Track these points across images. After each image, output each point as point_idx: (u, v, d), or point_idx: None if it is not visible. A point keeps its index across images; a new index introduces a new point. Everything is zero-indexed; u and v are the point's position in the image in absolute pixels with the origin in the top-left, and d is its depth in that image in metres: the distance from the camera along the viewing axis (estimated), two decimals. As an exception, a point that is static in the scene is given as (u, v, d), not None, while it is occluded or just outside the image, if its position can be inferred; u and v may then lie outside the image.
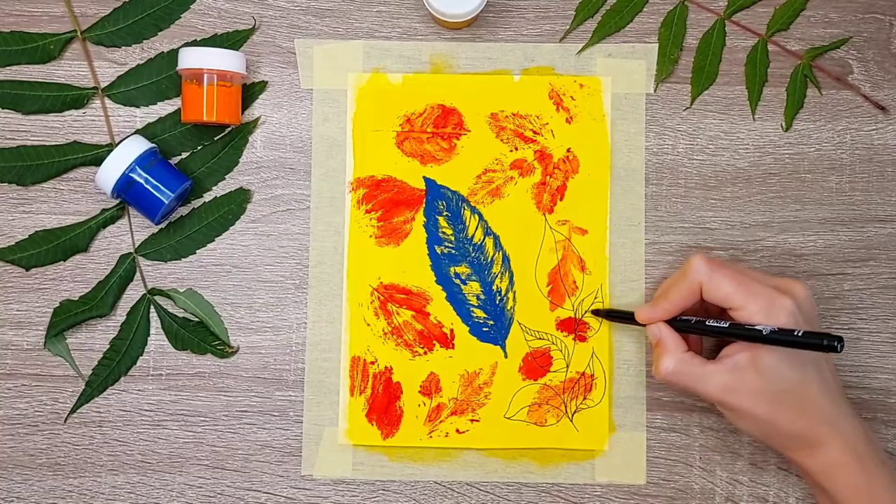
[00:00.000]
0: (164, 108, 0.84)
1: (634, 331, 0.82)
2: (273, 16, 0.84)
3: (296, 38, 0.84)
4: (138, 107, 0.83)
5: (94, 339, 0.83)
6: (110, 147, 0.82)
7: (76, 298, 0.82)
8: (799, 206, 0.84)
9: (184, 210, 0.83)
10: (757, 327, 0.70)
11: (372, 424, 0.82)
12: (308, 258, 0.83)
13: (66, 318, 0.81)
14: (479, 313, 0.83)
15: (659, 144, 0.84)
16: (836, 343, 0.66)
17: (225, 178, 0.83)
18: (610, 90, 0.84)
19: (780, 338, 0.69)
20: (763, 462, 0.82)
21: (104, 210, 0.83)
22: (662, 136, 0.84)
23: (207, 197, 0.83)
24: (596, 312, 0.82)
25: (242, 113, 0.83)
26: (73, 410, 0.82)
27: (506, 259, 0.83)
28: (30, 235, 0.82)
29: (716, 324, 0.73)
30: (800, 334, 0.68)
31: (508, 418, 0.82)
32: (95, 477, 0.82)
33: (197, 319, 0.82)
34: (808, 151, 0.84)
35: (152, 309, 0.83)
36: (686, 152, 0.84)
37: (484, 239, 0.83)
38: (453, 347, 0.83)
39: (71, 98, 0.83)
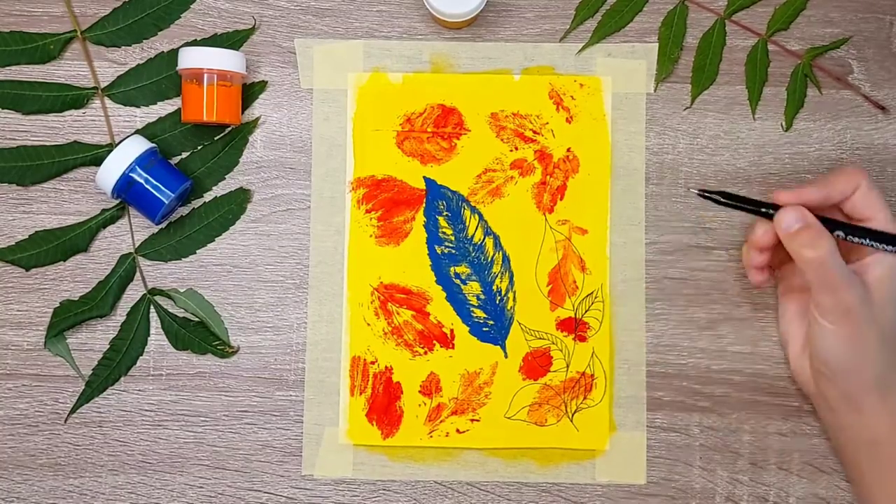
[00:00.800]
0: (164, 108, 0.84)
1: (635, 330, 0.82)
2: (273, 16, 0.84)
3: (296, 38, 0.84)
4: (138, 107, 0.83)
5: (94, 339, 0.83)
6: (110, 147, 0.82)
7: (76, 298, 0.82)
8: (799, 205, 0.84)
9: (184, 210, 0.83)
10: None
11: (372, 424, 0.82)
12: (308, 258, 0.83)
13: (66, 318, 0.81)
14: (479, 313, 0.83)
15: (659, 144, 0.84)
16: None
17: (225, 178, 0.83)
18: (610, 90, 0.84)
19: None
20: (763, 462, 0.82)
21: (104, 210, 0.83)
22: (663, 136, 0.84)
23: (207, 197, 0.83)
24: (703, 193, 0.75)
25: (242, 113, 0.83)
26: (73, 410, 0.82)
27: (506, 259, 0.83)
28: (30, 235, 0.82)
29: (861, 225, 0.72)
30: None
31: (509, 418, 0.82)
32: (96, 477, 0.82)
33: (197, 319, 0.82)
34: (808, 151, 0.84)
35: (152, 309, 0.83)
36: (686, 152, 0.84)
37: (484, 239, 0.83)
38: (453, 347, 0.83)
39: (71, 98, 0.83)
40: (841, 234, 0.73)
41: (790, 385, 0.82)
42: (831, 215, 0.75)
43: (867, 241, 0.73)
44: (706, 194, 0.75)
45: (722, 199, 0.75)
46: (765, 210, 0.75)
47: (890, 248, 0.73)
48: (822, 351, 0.72)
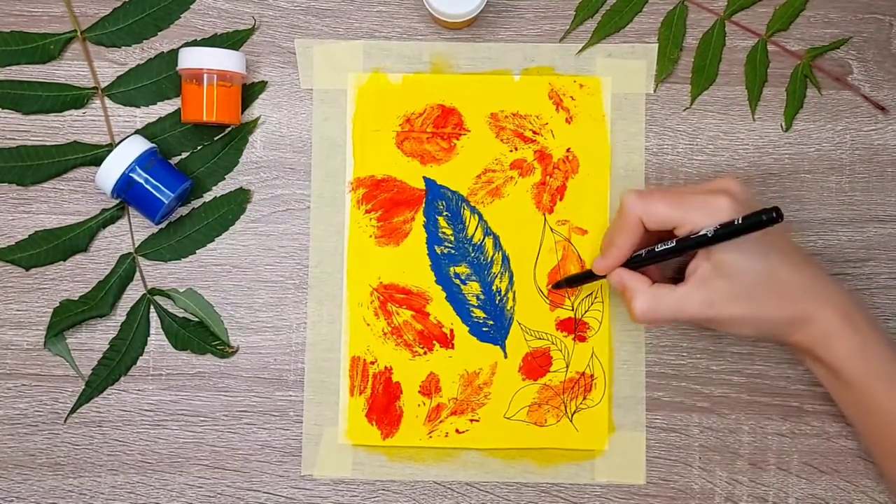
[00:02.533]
0: (164, 108, 0.84)
1: (635, 330, 0.82)
2: (273, 16, 0.84)
3: (296, 38, 0.84)
4: (138, 107, 0.84)
5: (94, 339, 0.83)
6: (110, 147, 0.82)
7: (76, 298, 0.82)
8: (799, 206, 0.84)
9: (184, 210, 0.83)
10: (701, 232, 0.70)
11: (372, 424, 0.82)
12: (308, 258, 0.83)
13: (66, 318, 0.81)
14: (478, 313, 0.83)
15: (659, 144, 0.84)
16: (773, 214, 0.65)
17: (225, 178, 0.83)
18: (610, 90, 0.84)
19: (724, 232, 0.69)
20: (763, 462, 0.82)
21: (104, 210, 0.83)
22: (662, 137, 0.84)
23: (207, 197, 0.83)
24: (556, 286, 0.82)
25: (242, 113, 0.83)
26: (73, 410, 0.82)
27: (505, 259, 0.83)
28: (30, 235, 0.82)
29: (664, 246, 0.73)
30: (739, 221, 0.67)
31: (508, 418, 0.82)
32: (95, 477, 0.82)
33: (197, 319, 0.82)
34: (808, 151, 0.84)
35: (152, 309, 0.83)
36: (686, 152, 0.84)
37: (484, 239, 0.83)
38: (453, 347, 0.83)
39: (71, 98, 0.83)
40: (653, 255, 0.74)
41: (790, 385, 0.82)
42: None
43: (677, 255, 0.73)
44: (558, 286, 0.82)
45: (570, 283, 0.81)
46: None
47: (696, 248, 0.71)
48: (739, 335, 0.76)
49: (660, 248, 0.73)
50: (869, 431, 0.76)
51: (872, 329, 0.73)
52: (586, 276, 0.79)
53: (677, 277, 0.76)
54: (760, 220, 0.66)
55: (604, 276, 0.76)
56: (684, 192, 0.73)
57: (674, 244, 0.72)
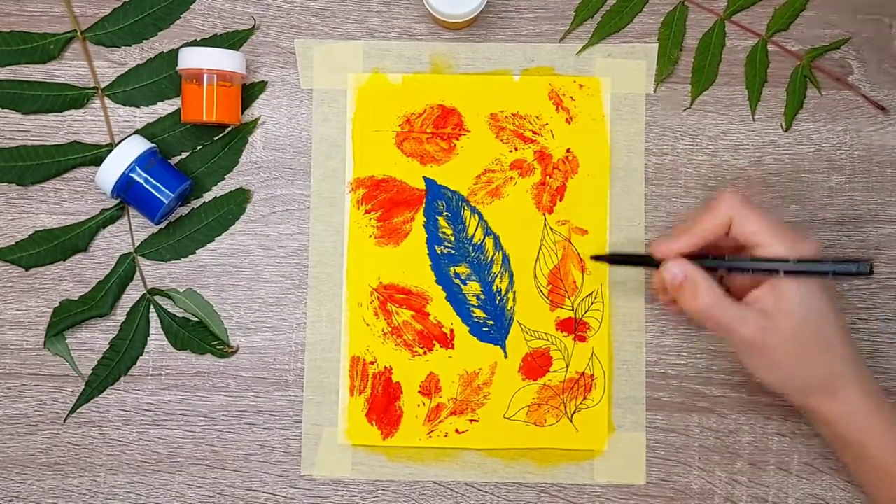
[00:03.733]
0: (164, 108, 0.84)
1: (635, 330, 0.82)
2: (273, 16, 0.84)
3: (296, 38, 0.84)
4: (138, 107, 0.84)
5: (93, 339, 0.83)
6: (110, 147, 0.83)
7: (76, 298, 0.82)
8: (799, 206, 0.84)
9: (184, 210, 0.83)
10: (785, 257, 0.70)
11: (371, 424, 0.82)
12: (308, 258, 0.83)
13: (66, 317, 0.81)
14: (478, 313, 0.83)
15: (659, 145, 0.84)
16: (867, 267, 0.64)
17: (225, 178, 0.83)
18: (610, 90, 0.84)
19: (809, 266, 0.68)
20: (762, 462, 0.82)
21: (104, 210, 0.83)
22: (662, 137, 0.84)
23: (207, 197, 0.83)
24: (597, 258, 0.81)
25: (242, 113, 0.83)
26: (72, 410, 0.82)
27: (506, 259, 0.83)
28: (30, 235, 0.82)
29: (741, 258, 0.72)
30: (829, 260, 0.66)
31: (508, 418, 0.82)
32: (95, 477, 0.82)
33: (197, 319, 0.82)
34: (808, 152, 0.84)
35: (152, 309, 0.83)
36: (686, 153, 0.84)
37: (484, 239, 0.83)
38: (453, 347, 0.83)
39: (71, 98, 0.83)
40: (725, 271, 0.73)
41: (790, 386, 0.83)
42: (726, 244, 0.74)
43: (749, 272, 0.72)
44: (599, 258, 0.80)
45: (613, 260, 0.80)
46: (652, 262, 0.75)
47: (774, 271, 0.71)
48: (753, 374, 0.74)
49: (733, 259, 0.72)
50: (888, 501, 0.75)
51: (892, 407, 0.73)
52: (634, 259, 0.78)
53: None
54: (850, 269, 0.65)
55: (654, 265, 0.75)
56: (779, 220, 0.72)
57: (753, 260, 0.71)
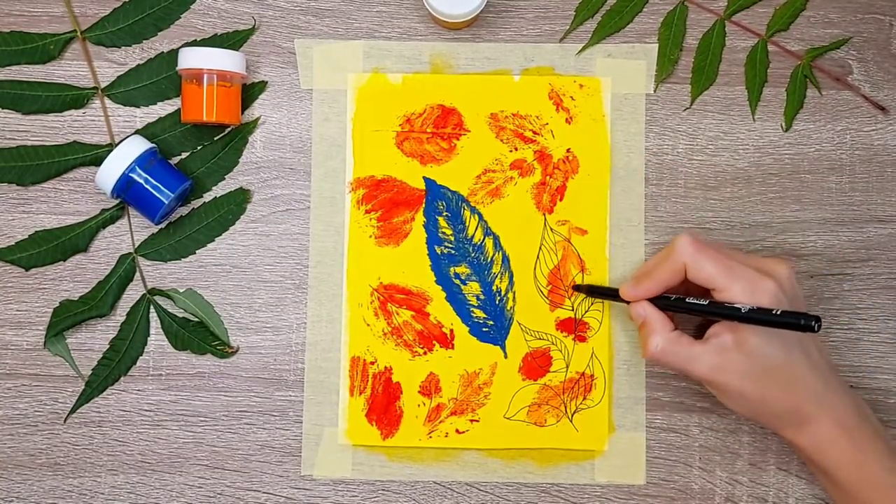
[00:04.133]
0: (164, 108, 0.84)
1: (635, 330, 0.82)
2: (273, 16, 0.84)
3: (296, 38, 0.84)
4: (138, 107, 0.84)
5: (93, 339, 0.83)
6: (110, 147, 0.82)
7: (76, 298, 0.82)
8: (799, 206, 0.84)
9: (184, 210, 0.83)
10: (736, 305, 0.70)
11: (371, 424, 0.82)
12: (308, 258, 0.83)
13: (66, 318, 0.81)
14: (478, 313, 0.83)
15: (659, 145, 0.84)
16: (812, 322, 0.65)
17: (225, 178, 0.83)
18: (610, 90, 0.84)
19: (758, 317, 0.69)
20: (763, 462, 0.82)
21: (104, 210, 0.83)
22: (662, 137, 0.84)
23: (207, 197, 0.83)
24: (577, 288, 0.82)
25: (242, 113, 0.83)
26: (72, 410, 0.82)
27: (505, 259, 0.83)
28: (30, 235, 0.82)
29: (696, 301, 0.73)
30: (777, 313, 0.67)
31: (508, 418, 0.82)
32: (95, 477, 0.82)
33: (197, 319, 0.82)
34: (808, 152, 0.84)
35: (152, 309, 0.83)
36: (686, 152, 0.84)
37: (484, 239, 0.83)
38: (453, 347, 0.83)
39: (71, 98, 0.83)
40: (681, 310, 0.74)
41: (790, 386, 0.83)
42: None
43: (705, 316, 0.73)
44: (579, 288, 0.82)
45: (592, 292, 0.82)
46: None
47: (726, 318, 0.71)
48: (732, 409, 0.75)
49: (691, 300, 0.73)
50: None
51: (872, 443, 0.73)
52: (609, 294, 0.79)
53: (694, 333, 0.76)
54: (798, 322, 0.66)
55: (626, 302, 0.77)
56: (736, 259, 0.72)
57: (706, 304, 0.72)
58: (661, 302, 0.75)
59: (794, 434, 0.74)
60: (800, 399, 0.72)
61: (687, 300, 0.73)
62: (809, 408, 0.73)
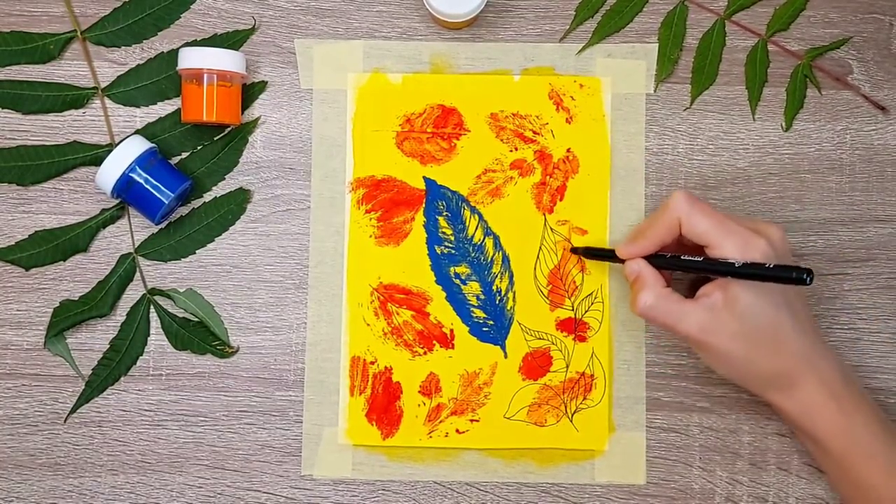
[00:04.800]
0: (164, 108, 0.84)
1: (635, 330, 0.82)
2: (273, 16, 0.84)
3: (296, 38, 0.84)
4: (138, 107, 0.84)
5: (94, 339, 0.83)
6: (110, 147, 0.82)
7: (76, 298, 0.82)
8: (799, 206, 0.84)
9: (184, 210, 0.83)
10: (729, 259, 0.70)
11: (372, 424, 0.82)
12: (308, 258, 0.83)
13: (66, 318, 0.81)
14: (478, 313, 0.83)
15: (659, 145, 0.84)
16: (804, 275, 0.65)
17: (225, 178, 0.83)
18: (610, 90, 0.84)
19: (752, 271, 0.69)
20: (763, 462, 0.82)
21: (104, 210, 0.83)
22: (662, 137, 0.84)
23: (207, 197, 0.83)
24: (574, 251, 0.82)
25: (242, 113, 0.83)
26: (72, 410, 0.82)
27: (506, 259, 0.83)
28: (30, 235, 0.82)
29: (689, 258, 0.73)
30: (770, 266, 0.68)
31: (508, 418, 0.82)
32: (95, 477, 0.82)
33: (197, 319, 0.82)
34: (808, 151, 0.84)
35: (152, 309, 0.83)
36: (686, 152, 0.84)
37: (484, 239, 0.83)
38: (453, 347, 0.83)
39: (71, 98, 0.83)
40: (675, 267, 0.74)
41: (790, 385, 0.83)
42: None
43: (698, 272, 0.73)
44: (576, 251, 0.82)
45: (588, 254, 0.82)
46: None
47: (719, 274, 0.71)
48: (718, 372, 0.75)
49: (685, 258, 0.73)
50: (851, 497, 0.75)
51: (858, 407, 0.73)
52: (605, 254, 0.80)
53: (686, 295, 0.76)
54: (790, 275, 0.66)
55: (622, 261, 0.76)
56: (730, 218, 0.73)
57: (700, 261, 0.72)
58: (655, 261, 0.75)
59: (781, 398, 0.74)
60: (787, 361, 0.73)
61: (682, 257, 0.73)
62: (796, 370, 0.73)
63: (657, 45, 0.84)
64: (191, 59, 0.79)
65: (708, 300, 0.72)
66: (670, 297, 0.73)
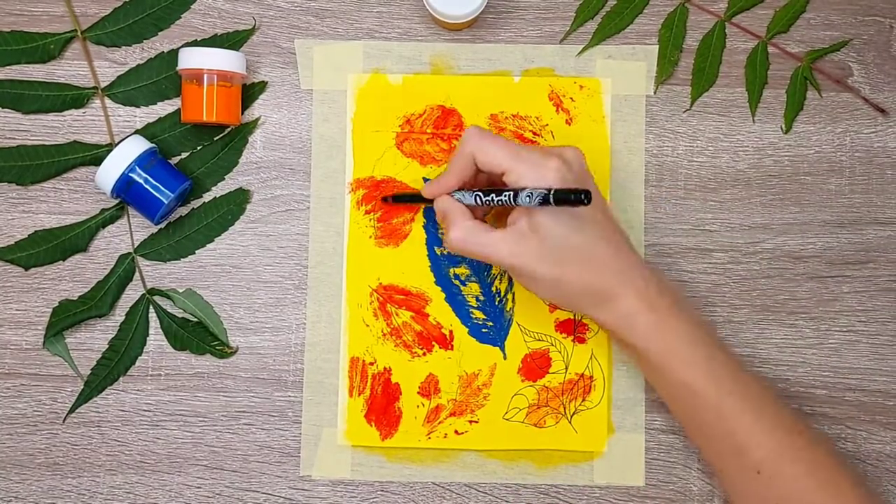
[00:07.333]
0: (164, 108, 0.84)
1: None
2: (273, 16, 0.84)
3: (296, 39, 0.84)
4: (138, 107, 0.84)
5: (93, 339, 0.83)
6: (110, 147, 0.82)
7: (75, 298, 0.82)
8: (798, 208, 0.84)
9: (183, 210, 0.83)
10: (515, 189, 0.72)
11: (371, 425, 0.82)
12: (307, 258, 0.83)
13: (66, 317, 0.81)
14: (478, 314, 0.83)
15: (659, 146, 0.84)
16: (581, 196, 0.67)
17: (225, 179, 0.83)
18: (610, 92, 0.84)
19: (539, 198, 0.70)
20: (762, 464, 0.82)
21: (104, 210, 0.83)
22: (662, 138, 0.84)
23: (207, 197, 0.83)
24: (385, 199, 0.83)
25: (242, 113, 0.83)
26: (71, 410, 0.82)
27: (505, 260, 0.83)
28: (29, 235, 0.82)
29: (482, 190, 0.74)
30: (552, 193, 0.69)
31: (507, 419, 0.82)
32: (94, 477, 0.82)
33: (196, 319, 0.82)
34: (808, 154, 0.84)
35: (151, 309, 0.83)
36: (686, 154, 0.84)
37: (483, 240, 0.83)
38: (452, 348, 0.83)
39: (71, 98, 0.83)
40: (479, 199, 0.75)
41: (788, 387, 0.82)
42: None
43: (496, 200, 0.74)
44: (387, 199, 0.83)
45: (399, 200, 0.82)
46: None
47: (517, 201, 0.72)
48: (538, 294, 0.77)
49: (483, 192, 0.74)
50: (678, 409, 0.76)
51: (678, 315, 0.74)
52: (414, 198, 0.81)
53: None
54: (569, 198, 0.68)
55: (431, 202, 0.78)
56: (524, 147, 0.74)
57: (494, 193, 0.73)
58: (459, 197, 0.76)
59: (600, 312, 0.75)
60: (600, 276, 0.74)
61: (479, 191, 0.75)
62: (610, 284, 0.74)
63: (657, 46, 0.84)
64: (191, 59, 0.79)
65: (514, 227, 0.73)
66: (478, 228, 0.75)
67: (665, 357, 0.74)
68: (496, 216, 0.81)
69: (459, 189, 0.76)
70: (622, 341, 0.76)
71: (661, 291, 0.75)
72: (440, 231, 0.79)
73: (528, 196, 0.70)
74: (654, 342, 0.74)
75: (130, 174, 0.78)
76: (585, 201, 0.67)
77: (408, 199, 0.82)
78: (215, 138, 0.83)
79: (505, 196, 0.72)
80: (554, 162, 0.72)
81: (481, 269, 0.83)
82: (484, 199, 0.74)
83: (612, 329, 0.75)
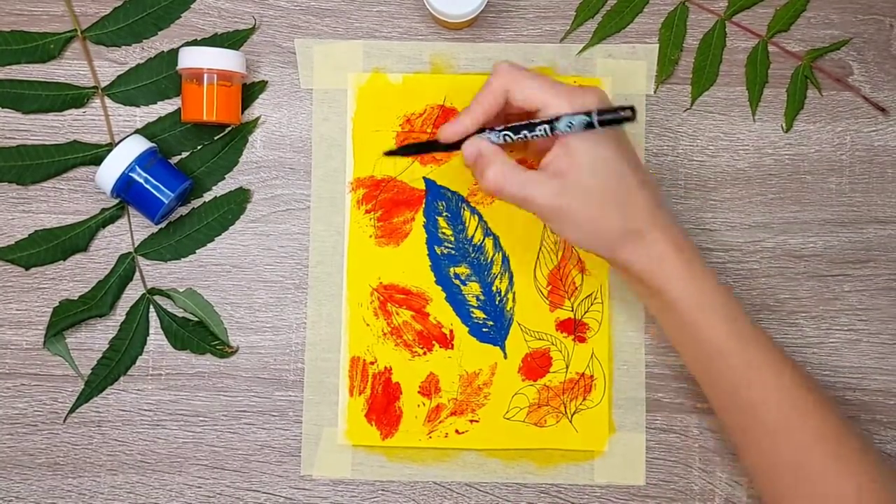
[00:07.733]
0: (164, 108, 0.84)
1: (634, 331, 0.82)
2: (273, 16, 0.84)
3: (296, 38, 0.84)
4: (138, 106, 0.84)
5: (93, 339, 0.83)
6: (110, 147, 0.82)
7: (76, 298, 0.82)
8: (799, 207, 0.84)
9: (184, 210, 0.83)
10: (550, 119, 0.70)
11: (371, 425, 0.82)
12: (308, 258, 0.83)
13: (66, 317, 0.81)
14: (478, 314, 0.83)
15: (659, 145, 0.84)
16: (630, 110, 0.66)
17: (225, 178, 0.83)
18: (610, 91, 0.84)
19: (584, 121, 0.68)
20: (762, 463, 0.82)
21: (104, 210, 0.83)
22: (662, 137, 0.84)
23: (207, 197, 0.83)
24: (389, 153, 0.80)
25: (242, 113, 0.83)
26: (72, 410, 0.82)
27: (505, 260, 0.83)
28: (29, 235, 0.82)
29: (509, 128, 0.72)
30: (596, 113, 0.68)
31: (508, 419, 0.82)
32: (94, 477, 0.82)
33: (196, 319, 0.82)
34: (809, 152, 0.84)
35: (152, 309, 0.83)
36: (686, 153, 0.84)
37: (483, 239, 0.83)
38: (453, 348, 0.83)
39: (71, 97, 0.83)
40: (509, 137, 0.72)
41: (789, 387, 0.83)
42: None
43: (529, 135, 0.72)
44: (392, 153, 0.80)
45: (407, 151, 0.80)
46: (443, 147, 0.75)
47: (555, 131, 0.70)
48: (569, 237, 0.73)
49: (512, 128, 0.72)
50: (698, 365, 0.75)
51: (701, 261, 0.73)
52: (426, 146, 0.78)
53: None
54: (616, 116, 0.67)
55: (448, 149, 0.75)
56: (557, 81, 0.72)
57: (525, 129, 0.71)
58: (481, 136, 0.73)
59: (629, 252, 0.72)
60: (634, 214, 0.72)
61: (510, 125, 0.72)
62: (643, 223, 0.72)
63: (657, 45, 0.84)
64: (191, 58, 0.79)
65: (553, 167, 0.71)
66: (517, 168, 0.72)
67: (690, 299, 0.72)
68: None
69: (479, 131, 0.73)
70: (647, 283, 0.73)
71: (686, 235, 0.74)
72: (474, 174, 0.74)
73: (570, 124, 0.68)
74: (682, 283, 0.72)
75: (130, 174, 0.78)
76: (632, 116, 0.65)
77: (415, 149, 0.80)
78: (215, 138, 0.83)
79: (540, 130, 0.70)
80: (591, 95, 0.70)
81: (481, 269, 0.83)
82: (515, 137, 0.71)
83: (640, 269, 0.73)
